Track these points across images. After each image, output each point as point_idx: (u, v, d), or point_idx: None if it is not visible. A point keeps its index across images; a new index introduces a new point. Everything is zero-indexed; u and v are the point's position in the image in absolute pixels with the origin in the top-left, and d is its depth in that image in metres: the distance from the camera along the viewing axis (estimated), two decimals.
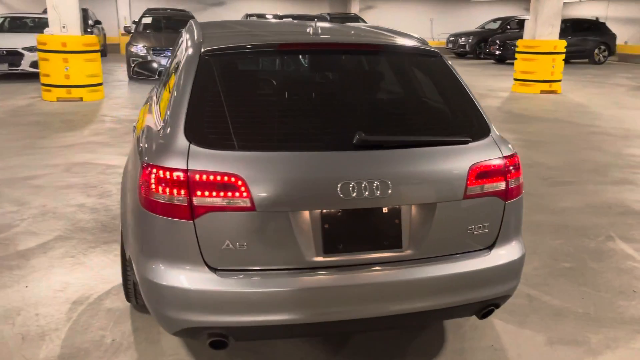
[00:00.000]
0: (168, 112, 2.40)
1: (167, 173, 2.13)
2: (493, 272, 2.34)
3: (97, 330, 2.80)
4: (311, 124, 2.34)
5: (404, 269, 2.22)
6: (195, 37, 2.70)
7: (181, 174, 2.11)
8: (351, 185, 2.13)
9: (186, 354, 2.61)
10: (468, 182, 2.28)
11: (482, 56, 20.92)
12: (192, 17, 14.79)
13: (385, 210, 2.21)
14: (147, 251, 2.23)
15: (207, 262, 2.13)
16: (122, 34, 21.79)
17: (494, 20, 22.25)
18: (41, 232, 4.01)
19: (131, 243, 2.45)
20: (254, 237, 2.12)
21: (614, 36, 20.11)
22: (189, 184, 2.10)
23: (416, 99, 2.57)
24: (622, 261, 3.72)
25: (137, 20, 14.56)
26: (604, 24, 20.65)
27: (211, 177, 2.10)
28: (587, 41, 19.43)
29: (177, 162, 2.13)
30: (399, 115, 2.44)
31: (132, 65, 4.80)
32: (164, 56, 12.60)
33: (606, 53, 19.95)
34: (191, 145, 2.17)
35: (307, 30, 2.78)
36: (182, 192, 2.10)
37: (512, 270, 2.40)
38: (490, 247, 2.37)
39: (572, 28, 19.08)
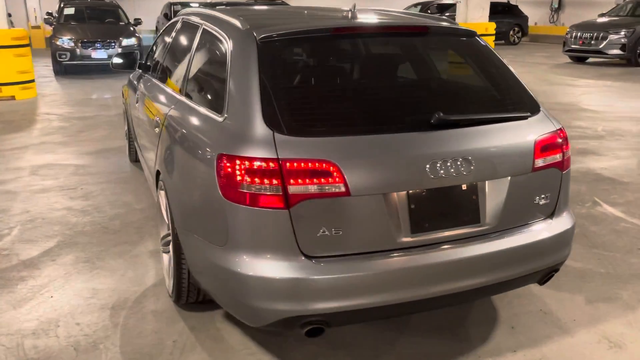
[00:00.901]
0: (228, 102, 2.34)
1: (258, 163, 2.08)
2: (556, 239, 2.47)
3: (151, 333, 2.69)
4: (390, 106, 2.36)
5: (483, 243, 2.30)
6: (239, 24, 2.62)
7: (273, 164, 2.06)
8: (438, 164, 2.18)
9: (257, 347, 2.57)
10: (535, 155, 2.39)
11: None
12: (119, 7, 14.13)
13: (464, 187, 2.28)
14: (233, 244, 2.17)
15: (302, 250, 2.11)
16: (33, 27, 20.46)
17: (415, 5, 22.84)
18: (38, 239, 3.76)
19: (199, 240, 2.38)
20: (349, 221, 2.13)
21: (526, 18, 21.28)
22: (282, 173, 2.06)
23: (470, 77, 2.65)
24: (615, 223, 4.02)
25: (57, 11, 13.67)
26: (516, 6, 21.78)
27: (305, 165, 2.07)
28: (502, 23, 20.38)
29: (267, 152, 2.09)
30: (463, 94, 2.51)
31: (113, 59, 4.55)
32: (93, 49, 12.01)
33: (520, 34, 21.08)
34: (275, 133, 2.12)
35: (345, 15, 2.78)
36: (276, 181, 2.06)
37: (569, 236, 2.55)
38: (551, 216, 2.51)
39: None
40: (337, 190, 2.09)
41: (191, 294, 2.74)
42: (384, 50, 2.71)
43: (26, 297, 3.01)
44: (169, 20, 18.13)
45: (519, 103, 2.54)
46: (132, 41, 12.55)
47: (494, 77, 2.66)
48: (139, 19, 14.30)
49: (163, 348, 2.57)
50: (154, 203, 4.31)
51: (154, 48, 4.52)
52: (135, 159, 5.44)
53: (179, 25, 3.74)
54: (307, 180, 2.07)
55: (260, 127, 2.16)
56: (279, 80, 2.35)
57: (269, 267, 2.11)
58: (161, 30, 4.50)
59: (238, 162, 2.12)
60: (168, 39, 3.81)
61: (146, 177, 4.22)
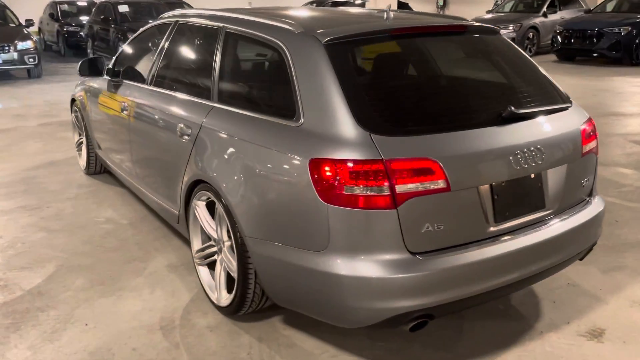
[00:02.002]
0: (303, 107, 2.33)
1: (363, 165, 2.10)
2: (598, 217, 2.72)
3: (220, 349, 2.59)
4: (469, 102, 2.46)
5: (551, 226, 2.49)
6: (290, 27, 2.60)
7: (379, 165, 2.09)
8: (519, 155, 2.32)
9: (334, 348, 2.57)
10: (582, 142, 2.62)
11: None
12: (6, 7, 12.99)
13: (532, 175, 2.44)
14: (336, 247, 2.17)
15: (408, 247, 2.16)
16: None
17: (311, 3, 23.13)
18: (32, 266, 3.43)
19: (283, 247, 2.34)
20: (449, 216, 2.21)
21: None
22: (388, 173, 2.09)
23: (512, 72, 2.81)
24: None
25: None
26: (407, 4, 22.79)
27: (409, 164, 2.12)
28: None
29: (370, 153, 2.11)
30: (516, 88, 2.66)
31: (80, 64, 4.26)
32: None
33: None
34: (372, 134, 2.15)
35: (383, 16, 2.84)
36: (384, 182, 2.09)
37: (603, 215, 2.81)
38: (590, 197, 2.75)
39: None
40: (439, 186, 2.16)
41: (253, 304, 2.68)
42: (439, 49, 2.80)
43: (58, 329, 2.77)
44: (56, 20, 17.03)
45: (555, 95, 2.75)
46: (28, 44, 11.59)
47: (526, 71, 2.84)
48: (31, 20, 13.24)
49: None
50: (143, 217, 4.12)
51: (130, 53, 4.27)
52: (98, 171, 5.09)
53: (175, 29, 3.56)
54: (413, 179, 2.12)
55: (354, 129, 2.17)
56: (359, 82, 2.37)
57: (377, 267, 2.14)
58: (137, 35, 4.25)
59: (339, 165, 2.12)
60: (162, 44, 3.61)
61: (134, 189, 3.99)
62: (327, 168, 2.15)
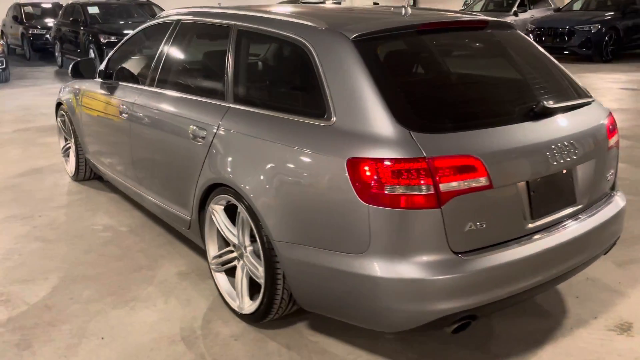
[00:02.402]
0: (334, 105, 2.26)
1: (406, 164, 2.04)
2: (622, 211, 2.72)
3: (248, 357, 2.50)
4: (503, 97, 2.43)
5: (581, 221, 2.47)
6: (313, 24, 2.52)
7: (422, 163, 2.04)
8: (554, 150, 2.30)
9: (365, 353, 2.50)
10: (608, 136, 2.61)
11: None
12: None
13: (564, 170, 2.42)
14: (377, 249, 2.10)
15: (451, 247, 2.11)
16: None
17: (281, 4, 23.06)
18: (34, 278, 3.27)
19: (317, 251, 2.27)
20: (491, 214, 2.17)
21: None
22: (432, 172, 2.04)
23: (533, 67, 2.78)
24: None
25: None
26: (376, 4, 22.89)
27: (452, 162, 2.07)
28: None
29: (411, 152, 2.05)
30: (541, 83, 2.64)
31: (71, 66, 4.10)
32: None
33: None
34: (412, 132, 2.10)
35: (401, 12, 2.79)
36: (427, 181, 2.04)
37: (625, 206, 2.82)
38: (613, 190, 2.76)
39: None
40: (482, 184, 2.11)
41: (280, 310, 2.59)
42: (462, 44, 2.76)
43: (72, 344, 2.62)
44: (20, 23, 16.48)
45: (577, 89, 2.74)
46: None
47: (546, 66, 2.81)
48: None
49: None
50: (142, 223, 3.97)
51: (126, 55, 4.12)
52: (87, 178, 4.91)
53: (177, 29, 3.43)
54: (456, 177, 2.07)
55: (393, 127, 2.11)
56: (392, 78, 2.31)
57: (422, 269, 2.08)
58: (131, 36, 4.10)
59: (380, 164, 2.05)
60: (164, 45, 3.48)
61: (133, 194, 3.84)
62: (366, 168, 2.08)
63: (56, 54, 14.31)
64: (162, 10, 17.59)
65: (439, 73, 2.66)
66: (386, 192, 2.05)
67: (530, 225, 2.30)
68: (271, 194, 2.41)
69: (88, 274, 3.30)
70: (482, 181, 2.11)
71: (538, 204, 2.32)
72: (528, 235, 2.29)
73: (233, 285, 2.86)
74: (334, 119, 2.27)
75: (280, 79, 2.80)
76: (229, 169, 2.64)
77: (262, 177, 2.46)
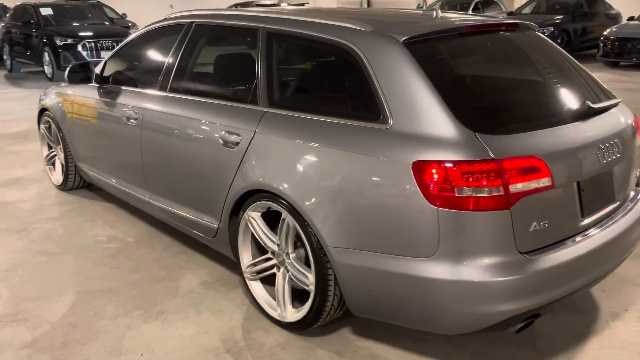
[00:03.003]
0: (391, 108, 2.25)
1: (475, 166, 2.05)
2: None
3: None
4: (550, 98, 2.47)
5: (621, 218, 2.55)
6: (357, 27, 2.51)
7: (491, 165, 2.05)
8: (603, 149, 2.37)
9: (420, 355, 2.50)
10: (638, 134, 2.71)
11: None
12: None
13: (608, 169, 2.50)
14: (445, 252, 2.10)
15: (518, 248, 2.13)
16: None
17: (235, 6, 22.79)
18: (47, 294, 3.09)
19: (377, 256, 2.25)
20: (552, 213, 2.21)
21: None
22: (501, 173, 2.06)
23: (564, 68, 2.83)
24: None
25: None
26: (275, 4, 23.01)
27: (520, 163, 2.10)
28: None
29: (480, 153, 2.07)
30: (577, 84, 2.69)
31: (69, 70, 3.94)
32: None
33: None
34: (477, 134, 2.11)
35: (430, 15, 2.81)
36: (497, 182, 2.05)
37: None
38: (637, 187, 2.86)
39: None
40: (545, 184, 2.15)
41: (328, 317, 2.55)
42: (498, 46, 2.78)
43: None
44: None
45: (604, 90, 2.83)
46: None
47: (573, 68, 2.87)
48: None
49: None
50: (149, 233, 3.83)
51: (128, 59, 3.97)
52: (77, 187, 4.70)
53: (192, 31, 3.32)
54: (523, 178, 2.10)
55: (458, 129, 2.12)
56: (449, 80, 2.31)
57: (491, 271, 2.09)
58: (131, 40, 3.94)
59: (450, 166, 2.05)
60: (178, 48, 3.35)
61: (140, 203, 3.70)
62: (434, 170, 2.08)
63: (5, 57, 13.65)
64: (114, 11, 17.12)
65: (489, 74, 2.68)
66: (456, 194, 2.05)
67: (582, 223, 2.35)
68: (324, 200, 2.37)
69: (106, 288, 3.16)
70: (546, 181, 2.14)
71: (587, 202, 2.37)
72: (581, 233, 2.35)
73: (269, 293, 2.79)
74: (390, 121, 2.25)
75: (323, 82, 2.76)
76: (272, 175, 2.57)
77: (312, 183, 2.41)
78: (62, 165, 4.70)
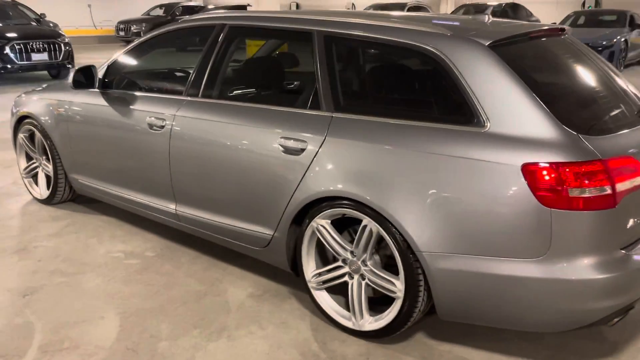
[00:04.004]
0: (486, 111, 2.28)
1: (587, 166, 2.12)
2: None
3: None
4: (620, 100, 2.58)
5: None
6: (439, 31, 2.51)
7: (601, 165, 2.13)
8: None
9: (501, 354, 2.53)
10: None
11: None
12: None
13: None
14: (556, 252, 2.15)
15: (620, 245, 2.21)
16: None
17: (160, 7, 22.13)
18: (87, 318, 2.85)
19: (479, 259, 2.26)
20: None
21: None
22: (609, 173, 2.13)
23: (603, 68, 2.93)
24: None
25: None
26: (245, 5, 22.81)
27: (621, 163, 2.19)
28: None
29: (588, 154, 2.14)
30: (618, 87, 2.81)
31: (74, 76, 3.68)
32: None
33: None
34: (580, 135, 2.18)
35: (485, 20, 2.87)
36: (607, 182, 2.13)
37: None
38: None
39: None
40: (639, 182, 2.25)
41: (414, 322, 2.53)
42: (564, 50, 2.85)
43: None
44: None
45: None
46: None
47: (606, 67, 2.99)
48: None
49: None
50: (166, 247, 3.59)
51: (141, 64, 3.73)
52: (65, 200, 4.36)
53: (226, 34, 3.17)
54: (625, 177, 2.18)
55: (563, 131, 2.17)
56: (541, 83, 2.36)
57: (598, 267, 2.16)
58: (141, 43, 3.70)
59: (562, 168, 2.10)
60: (211, 51, 3.19)
61: (161, 215, 3.49)
62: (545, 172, 2.12)
63: None
64: (32, 11, 16.02)
65: (566, 76, 2.74)
66: (570, 195, 2.10)
67: None
68: (417, 205, 2.34)
69: (148, 307, 2.95)
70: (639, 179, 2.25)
71: None
72: None
73: (351, 302, 2.68)
74: (488, 124, 2.27)
75: (402, 86, 2.72)
76: (353, 182, 2.51)
77: (402, 189, 2.38)
78: (47, 177, 4.35)
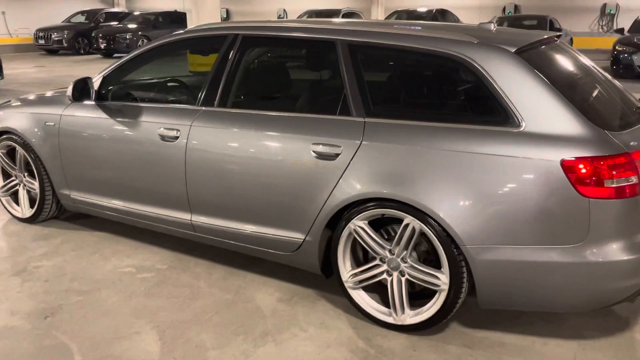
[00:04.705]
0: (520, 112, 2.48)
1: (618, 159, 2.36)
2: None
3: None
4: (619, 99, 2.86)
5: None
6: (465, 39, 2.69)
7: (629, 157, 2.38)
8: None
9: (541, 337, 2.74)
10: None
11: (81, 51, 19.96)
12: None
13: None
14: (595, 237, 2.37)
15: None
16: None
17: (81, 13, 21.28)
18: (120, 334, 2.79)
19: (521, 248, 2.46)
20: None
21: None
22: (635, 164, 2.39)
23: (594, 70, 3.22)
24: None
25: None
26: (184, 13, 22.49)
27: None
28: None
29: (619, 148, 2.39)
30: (614, 86, 3.10)
31: (72, 89, 3.59)
32: None
33: None
34: (605, 131, 2.43)
35: (491, 27, 3.10)
36: (634, 172, 2.39)
37: None
38: None
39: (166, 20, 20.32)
40: None
41: (454, 311, 2.68)
42: (563, 55, 3.08)
43: None
44: None
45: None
46: None
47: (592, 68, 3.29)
48: None
49: None
50: (177, 258, 3.41)
51: (138, 75, 3.67)
52: (51, 217, 4.20)
53: (239, 43, 3.21)
54: None
55: (593, 128, 2.41)
56: (563, 84, 2.58)
57: (629, 249, 2.40)
58: (138, 55, 3.63)
59: (597, 162, 2.33)
60: (225, 61, 3.21)
61: (173, 226, 3.46)
62: (581, 165, 2.34)
63: None
64: None
65: (578, 78, 2.97)
66: (605, 185, 2.33)
67: None
68: (461, 203, 2.50)
69: (181, 319, 2.93)
70: None
71: None
72: None
73: (392, 298, 2.78)
74: (523, 124, 2.47)
75: (431, 90, 2.87)
76: (396, 184, 2.62)
77: (445, 188, 2.53)
78: (29, 194, 4.18)
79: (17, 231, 4.13)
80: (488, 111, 2.58)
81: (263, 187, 3.04)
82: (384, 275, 2.81)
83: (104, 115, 3.62)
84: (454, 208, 2.52)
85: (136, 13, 22.15)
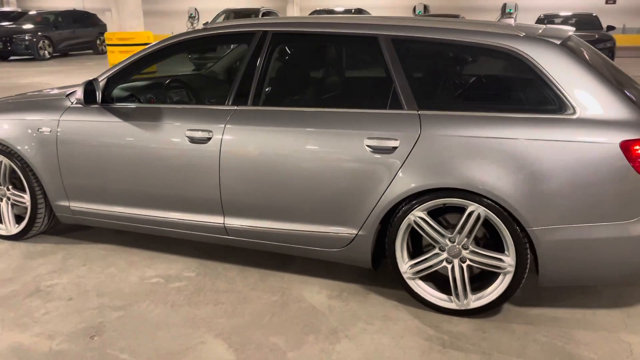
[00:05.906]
0: (573, 100, 2.67)
1: None
2: None
3: (516, 340, 2.67)
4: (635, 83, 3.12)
5: None
6: (516, 33, 2.84)
7: None
8: None
9: (583, 308, 2.94)
10: None
11: None
12: None
13: None
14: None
15: None
16: None
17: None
18: (180, 347, 2.66)
19: (583, 227, 2.64)
20: None
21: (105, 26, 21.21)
22: None
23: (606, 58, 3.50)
24: None
25: None
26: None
27: None
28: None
29: None
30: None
31: (84, 91, 3.36)
32: None
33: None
34: None
35: (512, 22, 3.28)
36: None
37: None
38: None
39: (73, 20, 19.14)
40: None
41: (515, 293, 2.82)
42: (582, 46, 3.29)
43: None
44: None
45: None
46: None
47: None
48: None
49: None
50: (201, 264, 3.29)
51: (157, 75, 3.47)
52: (42, 231, 3.88)
53: (270, 41, 3.15)
54: None
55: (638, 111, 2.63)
56: (604, 74, 2.78)
57: None
58: (143, 56, 3.43)
59: None
60: (255, 59, 3.14)
61: (203, 231, 3.33)
62: (637, 147, 2.55)
63: None
64: None
65: (604, 66, 3.17)
66: None
67: None
68: (527, 188, 2.62)
69: (240, 324, 2.84)
70: None
71: None
72: None
73: (455, 285, 2.87)
74: (578, 111, 2.65)
75: (484, 82, 2.97)
76: (460, 173, 2.69)
77: (509, 174, 2.64)
78: (14, 209, 3.83)
79: (4, 250, 3.77)
80: (543, 101, 2.73)
81: (310, 185, 3.01)
82: (444, 264, 2.89)
83: (115, 119, 3.39)
84: (519, 193, 2.65)
85: (32, 12, 20.67)
